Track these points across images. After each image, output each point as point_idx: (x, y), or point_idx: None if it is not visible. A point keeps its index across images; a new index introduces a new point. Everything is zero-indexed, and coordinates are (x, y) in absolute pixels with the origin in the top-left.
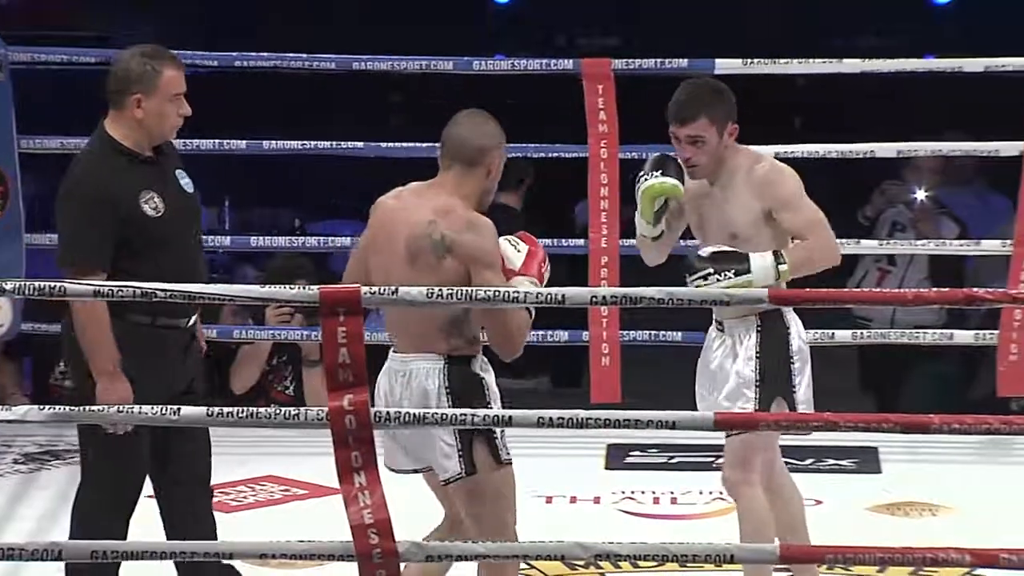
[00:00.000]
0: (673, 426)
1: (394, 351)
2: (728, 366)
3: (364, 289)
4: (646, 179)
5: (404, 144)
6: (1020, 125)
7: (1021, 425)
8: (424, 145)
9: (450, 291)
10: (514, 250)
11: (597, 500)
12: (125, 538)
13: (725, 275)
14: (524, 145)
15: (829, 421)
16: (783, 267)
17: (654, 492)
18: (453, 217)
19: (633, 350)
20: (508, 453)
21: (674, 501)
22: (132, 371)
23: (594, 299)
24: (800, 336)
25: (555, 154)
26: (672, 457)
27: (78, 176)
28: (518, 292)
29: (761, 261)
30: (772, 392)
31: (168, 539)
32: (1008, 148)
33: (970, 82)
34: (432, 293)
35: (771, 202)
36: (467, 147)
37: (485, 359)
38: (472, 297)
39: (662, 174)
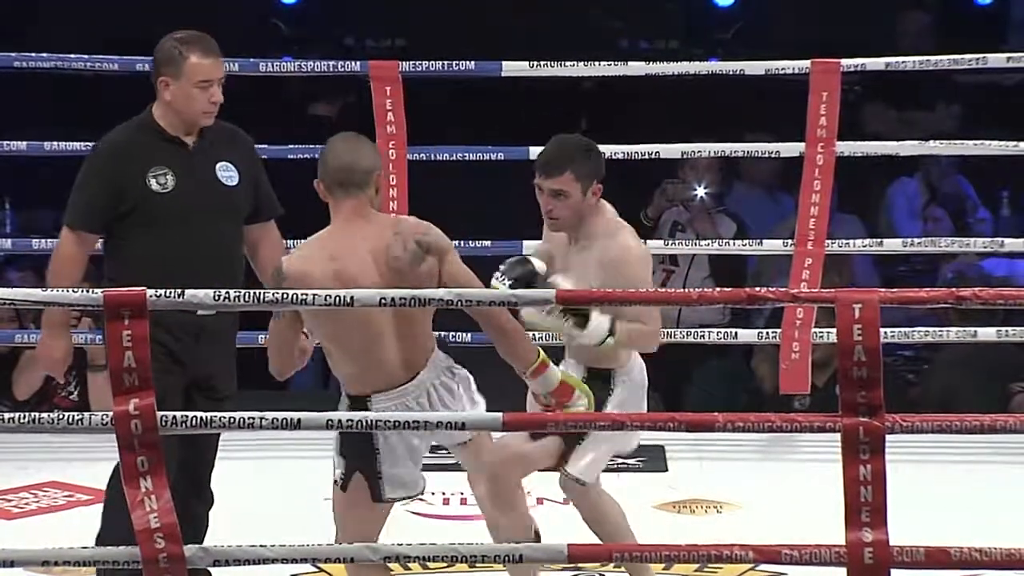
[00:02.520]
0: (462, 427)
1: (391, 387)
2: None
3: (150, 292)
4: (499, 281)
5: None
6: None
7: (803, 423)
8: None
9: (238, 293)
10: None
11: None
12: None
13: (567, 316)
14: (308, 147)
15: (616, 420)
16: (610, 340)
17: (444, 493)
18: (403, 225)
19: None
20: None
21: (464, 502)
22: None
23: (382, 300)
24: (636, 370)
25: None
26: None
27: (98, 145)
28: (308, 295)
29: (598, 323)
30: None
31: None
32: (789, 149)
33: (765, 84)
34: (219, 296)
35: (616, 282)
36: (357, 173)
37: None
38: (260, 299)
39: (512, 283)
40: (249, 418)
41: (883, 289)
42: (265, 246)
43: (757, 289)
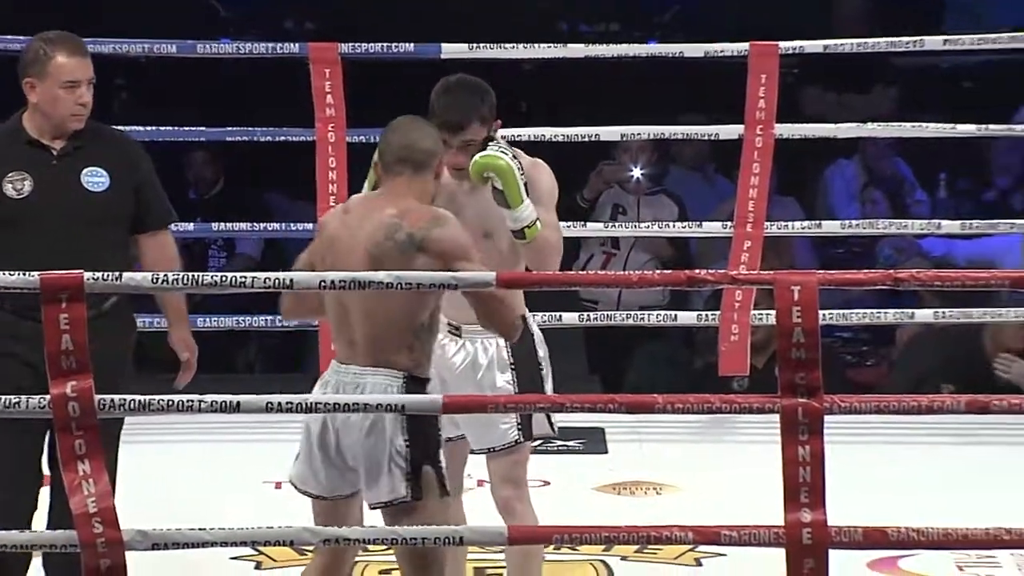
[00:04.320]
0: (402, 410)
1: (340, 362)
2: (478, 379)
3: (87, 275)
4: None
5: (126, 128)
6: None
7: (742, 404)
8: (147, 129)
9: (176, 276)
10: None
11: None
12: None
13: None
14: (251, 128)
15: (556, 402)
16: (538, 225)
17: None
18: (415, 214)
19: None
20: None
21: None
22: None
23: (322, 283)
24: (541, 340)
25: (282, 137)
26: None
27: None
28: (246, 278)
29: (528, 205)
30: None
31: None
32: (727, 131)
33: (705, 68)
34: (157, 279)
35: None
36: (417, 151)
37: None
38: (199, 282)
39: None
40: (188, 401)
41: (821, 271)
42: (148, 257)
43: (696, 271)
